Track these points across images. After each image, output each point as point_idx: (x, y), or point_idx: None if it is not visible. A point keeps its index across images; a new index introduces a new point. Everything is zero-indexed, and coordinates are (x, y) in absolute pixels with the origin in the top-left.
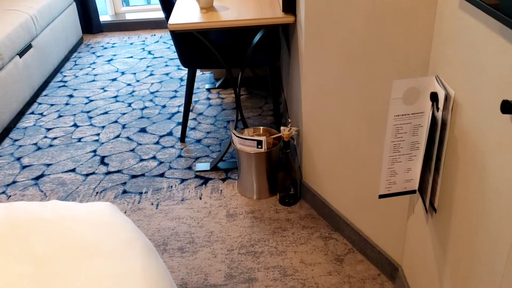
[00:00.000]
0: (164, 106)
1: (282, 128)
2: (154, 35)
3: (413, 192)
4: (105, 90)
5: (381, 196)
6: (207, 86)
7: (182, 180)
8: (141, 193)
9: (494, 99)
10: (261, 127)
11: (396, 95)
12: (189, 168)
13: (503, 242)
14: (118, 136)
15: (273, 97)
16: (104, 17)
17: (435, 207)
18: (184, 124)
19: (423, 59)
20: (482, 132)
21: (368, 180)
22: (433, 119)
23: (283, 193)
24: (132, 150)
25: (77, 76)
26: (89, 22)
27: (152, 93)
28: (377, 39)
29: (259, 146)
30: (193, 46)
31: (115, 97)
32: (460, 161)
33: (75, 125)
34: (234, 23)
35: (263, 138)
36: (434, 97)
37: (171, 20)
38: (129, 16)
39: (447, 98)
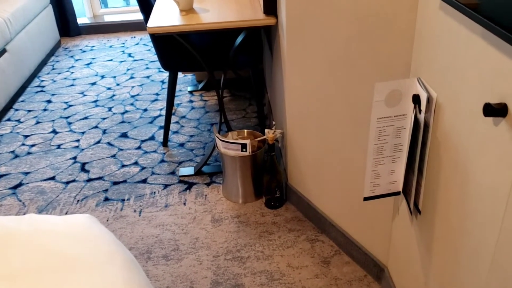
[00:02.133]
0: (145, 110)
1: (266, 130)
2: (134, 37)
3: (398, 193)
4: (84, 95)
5: (365, 199)
6: (189, 88)
7: (166, 186)
8: (124, 200)
9: (476, 102)
10: (245, 130)
11: (378, 98)
12: (173, 173)
13: (486, 246)
14: (98, 142)
15: (257, 99)
16: (82, 20)
17: (419, 209)
18: (166, 128)
19: (405, 61)
20: (464, 135)
21: (353, 182)
22: (416, 121)
23: (269, 196)
24: (114, 156)
25: (55, 81)
26: (67, 24)
27: (133, 96)
28: (360, 41)
29: (244, 150)
30: (174, 49)
31: (95, 101)
32: (443, 163)
33: (54, 131)
34: (214, 26)
35: (247, 141)
36: (416, 99)
37: (150, 23)
38: (108, 18)
39: (429, 100)
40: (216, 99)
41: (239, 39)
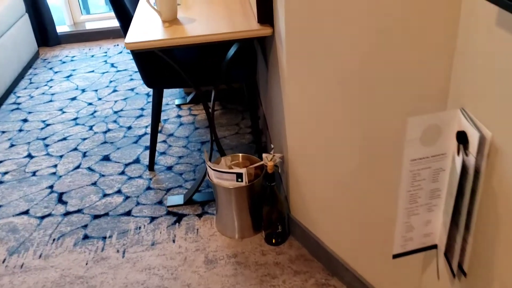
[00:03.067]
0: (129, 128)
1: (264, 156)
2: (117, 45)
3: (433, 247)
4: (63, 112)
5: (395, 256)
6: (177, 101)
7: (152, 219)
8: (105, 237)
9: None
10: (240, 155)
11: (412, 135)
12: (160, 202)
13: None
14: (78, 167)
15: (251, 113)
16: (61, 28)
17: (464, 270)
18: (152, 150)
19: (441, 87)
20: None
21: (371, 221)
22: (461, 164)
23: (269, 231)
24: (94, 184)
25: (32, 97)
26: (45, 34)
27: (115, 112)
28: (380, 58)
29: (239, 180)
30: (157, 64)
31: (75, 119)
32: (499, 219)
33: (30, 156)
34: (203, 39)
35: (243, 170)
36: (461, 137)
37: (129, 38)
38: (89, 26)
39: (481, 140)
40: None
41: (231, 52)
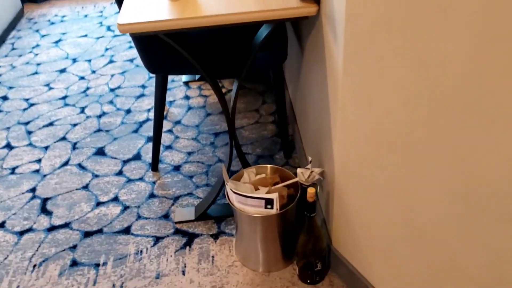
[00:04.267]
0: (128, 111)
1: (299, 172)
2: (115, 3)
3: None
4: (50, 88)
5: None
6: (184, 78)
7: (157, 240)
8: (98, 265)
9: None
10: (268, 166)
11: None
12: (166, 216)
13: None
14: (66, 163)
15: (278, 103)
16: None
17: None
18: (156, 147)
19: None
20: None
21: (449, 277)
22: None
23: (305, 267)
24: (86, 187)
25: (14, 67)
26: None
27: (112, 90)
28: (493, 69)
29: (269, 206)
30: (162, 46)
31: (64, 98)
32: None
33: (9, 146)
34: (223, 19)
35: (274, 196)
36: None
37: (122, 18)
38: None
39: None
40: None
41: (262, 35)
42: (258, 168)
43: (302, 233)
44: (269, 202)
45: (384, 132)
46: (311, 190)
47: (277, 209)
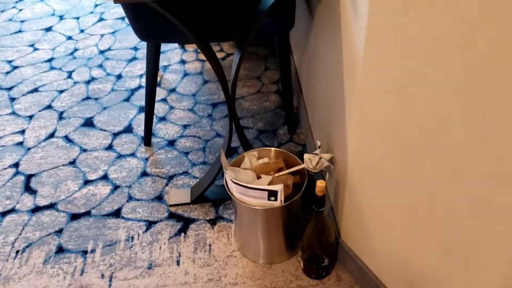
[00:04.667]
0: (119, 77)
1: (307, 157)
2: None
3: None
4: (35, 49)
5: None
6: None
7: (149, 224)
8: (86, 252)
9: None
10: (272, 149)
11: None
12: (159, 198)
13: None
14: (52, 135)
15: (282, 73)
16: None
17: None
18: (148, 119)
19: None
20: None
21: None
22: None
23: (310, 261)
24: (73, 163)
25: None
26: None
27: (102, 52)
28: None
29: (272, 198)
30: (153, 11)
31: (50, 60)
32: None
33: None
34: None
35: (279, 188)
36: None
37: None
38: None
39: None
40: (220, 59)
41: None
42: (260, 151)
43: (309, 226)
44: (272, 194)
45: (406, 124)
46: (320, 184)
47: (281, 201)
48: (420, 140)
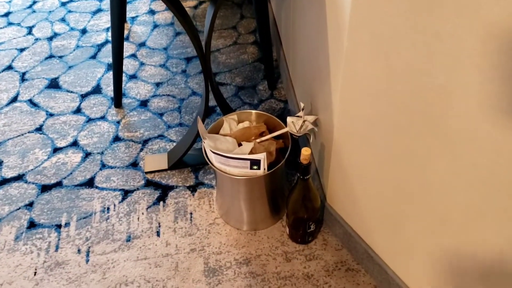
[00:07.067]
0: (84, 32)
1: (289, 120)
2: None
3: None
4: None
5: None
6: None
7: (125, 194)
8: (60, 226)
9: None
10: (253, 112)
11: None
12: (134, 164)
13: None
14: (15, 99)
15: (259, 22)
16: None
17: None
18: (117, 77)
19: None
20: None
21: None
22: None
23: (297, 230)
24: (39, 130)
25: None
26: None
27: (63, 4)
28: None
29: (255, 167)
30: None
31: (7, 15)
32: None
33: None
34: None
35: (261, 156)
36: None
37: None
38: None
39: None
40: (190, 7)
41: None
42: (240, 114)
43: (294, 193)
44: (255, 163)
45: (395, 84)
46: (305, 152)
47: (264, 170)
48: (410, 102)
